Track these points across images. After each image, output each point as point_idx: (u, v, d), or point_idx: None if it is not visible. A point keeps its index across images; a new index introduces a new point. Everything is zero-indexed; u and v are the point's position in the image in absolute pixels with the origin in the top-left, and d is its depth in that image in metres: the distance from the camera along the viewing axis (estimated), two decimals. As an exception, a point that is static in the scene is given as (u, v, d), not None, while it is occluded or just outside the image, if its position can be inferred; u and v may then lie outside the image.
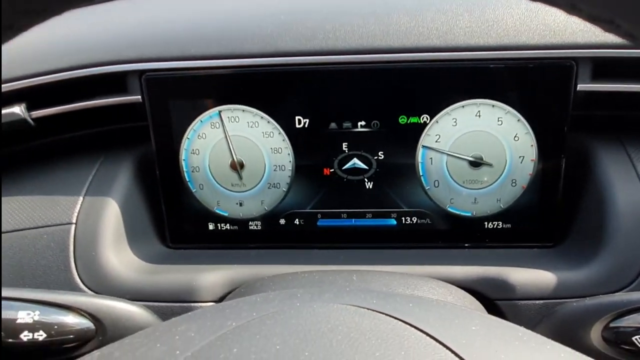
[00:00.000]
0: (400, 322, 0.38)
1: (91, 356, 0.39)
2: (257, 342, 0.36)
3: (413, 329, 0.37)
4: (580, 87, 0.68)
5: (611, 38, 0.66)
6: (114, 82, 0.71)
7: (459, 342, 0.36)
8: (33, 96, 0.71)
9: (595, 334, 0.48)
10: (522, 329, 0.40)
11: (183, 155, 0.74)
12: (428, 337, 0.36)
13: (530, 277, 0.66)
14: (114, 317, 0.54)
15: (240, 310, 0.42)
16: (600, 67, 0.67)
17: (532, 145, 0.71)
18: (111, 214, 0.71)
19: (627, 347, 0.47)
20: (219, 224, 0.78)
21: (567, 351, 0.37)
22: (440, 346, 0.35)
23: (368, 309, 0.40)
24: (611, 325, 0.48)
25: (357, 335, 0.36)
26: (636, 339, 0.45)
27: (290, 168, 0.74)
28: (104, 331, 0.53)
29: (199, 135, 0.73)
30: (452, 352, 0.35)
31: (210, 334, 0.38)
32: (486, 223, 0.75)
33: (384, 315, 0.38)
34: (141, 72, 0.70)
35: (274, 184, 0.75)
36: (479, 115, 0.70)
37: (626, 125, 0.74)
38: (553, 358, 0.36)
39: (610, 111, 0.72)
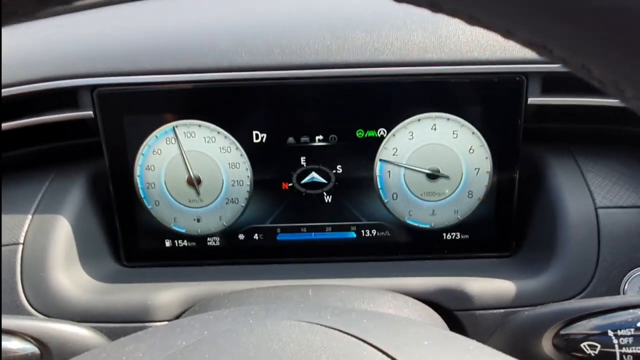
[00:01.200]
0: (353, 338, 0.37)
1: None
2: (206, 362, 0.35)
3: (366, 344, 0.37)
4: (531, 100, 0.70)
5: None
6: (65, 97, 0.69)
7: (411, 357, 0.36)
8: (-22, 112, 0.68)
9: (546, 342, 0.49)
10: (474, 342, 0.40)
11: (138, 171, 0.73)
12: (381, 353, 0.36)
13: (488, 287, 0.67)
14: (60, 341, 0.52)
15: (191, 329, 0.41)
16: (550, 81, 0.70)
17: (486, 158, 0.72)
18: (61, 233, 0.69)
19: (577, 354, 0.48)
20: (176, 241, 0.76)
21: None
22: (392, 361, 0.35)
23: (321, 325, 0.39)
24: (561, 332, 0.49)
25: (308, 353, 0.35)
26: (584, 346, 0.46)
27: (249, 183, 0.73)
28: (50, 356, 0.51)
29: (154, 151, 0.72)
30: (404, 366, 0.35)
31: (159, 354, 0.37)
32: (444, 234, 0.76)
33: (336, 332, 0.38)
34: (93, 87, 0.68)
35: (232, 199, 0.74)
36: (435, 129, 0.72)
37: (576, 137, 0.76)
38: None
39: (561, 123, 0.75)
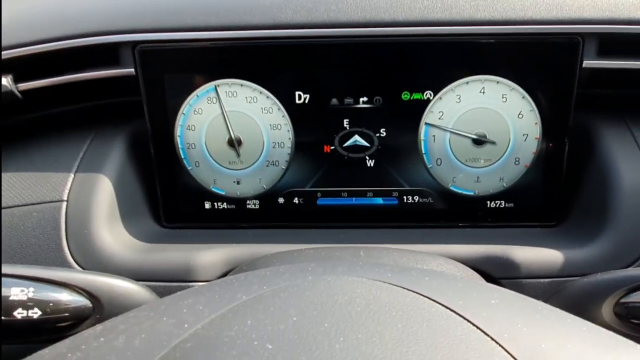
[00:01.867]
0: (418, 295, 0.36)
1: (94, 330, 0.37)
2: (272, 314, 0.34)
3: (432, 302, 0.36)
4: (586, 63, 0.67)
5: (618, 13, 0.65)
6: (106, 54, 0.68)
7: (479, 315, 0.35)
8: (21, 68, 0.67)
9: (606, 310, 0.48)
10: (541, 303, 0.39)
11: (178, 131, 0.72)
12: (449, 311, 0.35)
13: (534, 255, 0.65)
14: (111, 295, 0.52)
15: (250, 284, 0.40)
16: (606, 43, 0.66)
17: (536, 123, 0.70)
18: (103, 192, 0.68)
19: (639, 322, 0.46)
20: (215, 203, 0.75)
21: (587, 324, 0.36)
22: (462, 319, 0.34)
23: (384, 282, 0.38)
24: (622, 300, 0.47)
25: (376, 308, 0.34)
26: (651, 313, 0.45)
27: (290, 145, 0.72)
28: (101, 309, 0.51)
29: (195, 111, 0.71)
30: (475, 326, 0.34)
31: (221, 307, 0.37)
32: (489, 202, 0.74)
33: (401, 289, 0.37)
34: (134, 44, 0.67)
35: (273, 161, 0.73)
36: (483, 92, 0.69)
37: (630, 104, 0.73)
38: (576, 331, 0.35)
39: (614, 89, 0.72)
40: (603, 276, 0.50)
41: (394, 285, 0.38)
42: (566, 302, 0.52)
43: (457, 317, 0.34)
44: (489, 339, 0.33)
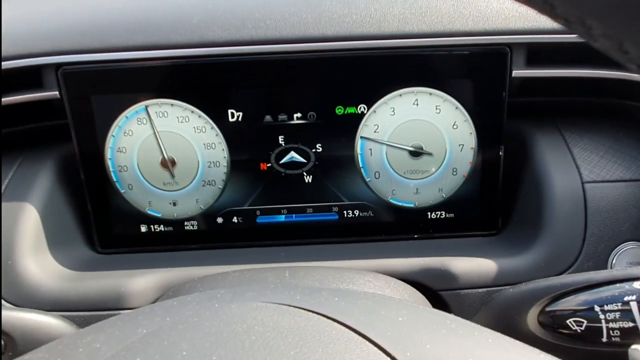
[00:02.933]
0: (322, 318, 0.35)
1: None
2: (164, 349, 0.33)
3: (336, 323, 0.35)
4: (515, 73, 0.67)
5: (544, 23, 0.66)
6: (29, 77, 0.66)
7: (383, 334, 0.34)
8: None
9: (531, 319, 0.47)
10: (451, 316, 0.38)
11: (109, 154, 0.70)
12: (351, 331, 0.34)
13: (473, 266, 0.65)
14: (25, 331, 0.49)
15: (153, 316, 0.39)
16: (535, 52, 0.67)
17: (471, 133, 0.70)
18: (30, 219, 0.66)
19: (563, 331, 0.46)
20: (152, 226, 0.73)
21: (496, 336, 0.36)
22: (363, 339, 0.33)
23: (290, 305, 0.37)
24: (547, 309, 0.47)
25: (273, 335, 0.33)
26: (570, 322, 0.44)
27: (226, 164, 0.71)
28: (14, 346, 0.48)
29: (125, 132, 0.69)
30: (375, 344, 0.33)
31: (117, 344, 0.35)
32: (429, 213, 0.73)
33: (304, 312, 0.36)
34: (58, 66, 0.65)
35: (209, 181, 0.72)
36: (417, 104, 0.69)
37: (562, 111, 0.74)
38: (480, 343, 0.35)
39: (546, 97, 0.73)
40: (527, 285, 0.50)
41: (299, 308, 0.36)
42: (493, 313, 0.51)
43: (359, 337, 0.33)
44: (389, 359, 0.32)
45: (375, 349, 0.32)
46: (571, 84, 0.70)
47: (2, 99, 0.65)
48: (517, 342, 0.35)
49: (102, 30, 0.66)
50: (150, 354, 0.32)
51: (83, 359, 0.34)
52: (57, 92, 0.66)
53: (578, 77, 0.67)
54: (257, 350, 0.31)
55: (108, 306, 0.62)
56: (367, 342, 0.33)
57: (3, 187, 0.68)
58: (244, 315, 0.35)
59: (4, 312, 0.50)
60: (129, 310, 0.59)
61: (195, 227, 0.73)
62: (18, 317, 0.50)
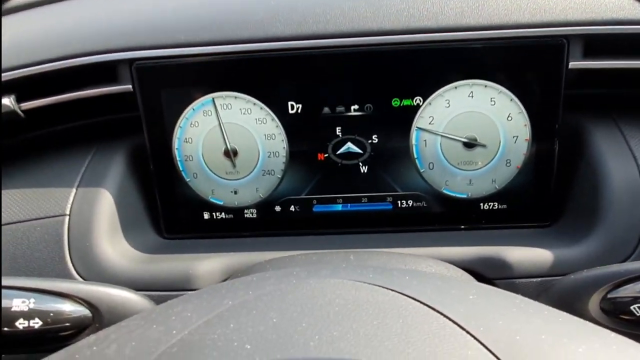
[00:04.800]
0: (397, 294, 0.38)
1: (88, 340, 0.39)
2: (254, 317, 0.36)
3: (410, 299, 0.37)
4: (572, 64, 0.68)
5: (602, 14, 0.66)
6: (105, 72, 0.70)
7: (457, 310, 0.36)
8: (23, 87, 0.70)
9: (593, 306, 0.48)
10: (520, 297, 0.40)
11: (176, 144, 0.74)
12: (426, 307, 0.36)
13: (527, 255, 0.66)
14: (110, 305, 0.53)
15: (236, 290, 0.42)
16: (592, 44, 0.67)
17: (525, 125, 0.71)
18: (105, 205, 0.71)
19: (626, 317, 0.47)
20: (214, 213, 0.77)
21: (565, 315, 0.37)
22: (439, 315, 0.35)
23: (364, 282, 0.39)
24: (609, 296, 0.48)
25: (354, 307, 0.35)
26: (634, 308, 0.45)
27: (285, 154, 0.74)
28: (101, 318, 0.53)
29: (191, 124, 0.73)
30: (451, 320, 0.35)
31: (207, 313, 0.38)
32: (482, 204, 0.75)
33: (380, 288, 0.38)
34: (131, 61, 0.69)
35: (269, 170, 0.75)
36: (472, 96, 0.70)
37: (618, 103, 0.74)
38: (552, 322, 0.36)
39: (603, 89, 0.72)
40: (589, 272, 0.50)
41: (374, 285, 0.39)
42: (553, 300, 0.52)
43: (433, 312, 0.35)
44: (464, 332, 0.34)
45: (451, 323, 0.34)
46: (628, 76, 0.70)
47: (81, 92, 0.70)
48: (586, 322, 0.36)
49: (172, 27, 0.70)
50: (241, 321, 0.35)
51: (177, 325, 0.37)
52: (130, 86, 0.70)
53: (635, 69, 0.67)
54: (343, 320, 0.33)
55: (177, 287, 0.66)
56: (442, 317, 0.35)
57: (79, 176, 0.73)
58: (324, 289, 0.38)
59: (91, 287, 0.54)
60: (206, 287, 0.63)
61: (255, 215, 0.77)
62: (104, 292, 0.54)
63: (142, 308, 0.55)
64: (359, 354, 0.29)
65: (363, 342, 0.31)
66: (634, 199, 0.65)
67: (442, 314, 0.35)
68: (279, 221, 0.77)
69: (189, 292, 0.44)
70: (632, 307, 0.46)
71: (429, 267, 0.58)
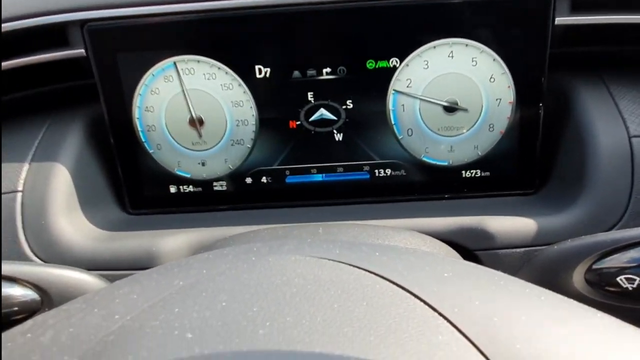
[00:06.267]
0: (363, 272, 0.34)
1: (23, 326, 0.35)
2: (202, 300, 0.32)
3: (379, 278, 0.33)
4: (559, 20, 0.63)
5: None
6: (55, 35, 0.65)
7: (428, 289, 0.32)
8: (-36, 54, 0.64)
9: (578, 277, 0.45)
10: (499, 273, 0.36)
11: (136, 113, 0.69)
12: (395, 286, 0.32)
13: (511, 225, 0.63)
14: (61, 287, 0.49)
15: (189, 269, 0.38)
16: (579, -2, 0.63)
17: (509, 87, 0.67)
18: (61, 180, 0.66)
19: (612, 289, 0.44)
20: (181, 186, 0.73)
21: (547, 293, 0.34)
22: (408, 294, 0.32)
23: (329, 259, 0.36)
24: (594, 266, 0.45)
25: (314, 287, 0.32)
26: (621, 279, 0.42)
27: (254, 122, 0.69)
28: (50, 302, 0.49)
29: (152, 91, 0.68)
30: (422, 300, 0.31)
31: (154, 296, 0.34)
32: (464, 172, 0.71)
33: (345, 265, 0.34)
34: (83, 22, 0.64)
35: (238, 140, 0.70)
36: (452, 56, 0.66)
37: (607, 62, 0.70)
38: (534, 302, 0.33)
39: (591, 46, 0.68)
40: (573, 242, 0.47)
41: (340, 262, 0.35)
42: (537, 271, 0.49)
43: (403, 292, 0.32)
44: (436, 314, 0.30)
45: (421, 303, 0.31)
46: (618, 32, 0.65)
47: (28, 58, 0.64)
48: (572, 301, 0.33)
49: (125, -16, 0.64)
50: (188, 304, 0.31)
51: (120, 309, 0.33)
52: (82, 50, 0.64)
53: (626, 24, 0.63)
54: (299, 302, 0.30)
55: (140, 265, 0.62)
56: (413, 297, 0.31)
57: (32, 150, 0.68)
58: (283, 267, 0.34)
59: (40, 268, 0.50)
60: (158, 266, 0.59)
61: (224, 188, 0.73)
62: (52, 273, 0.50)
63: (95, 289, 0.51)
64: (312, 343, 0.25)
65: (320, 328, 0.27)
66: (621, 165, 0.62)
67: (412, 293, 0.32)
68: (250, 193, 0.73)
69: (139, 272, 0.40)
70: (618, 279, 0.43)
71: (404, 240, 0.54)
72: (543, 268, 0.49)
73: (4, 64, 0.65)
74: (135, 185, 0.72)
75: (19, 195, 0.64)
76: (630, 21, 0.62)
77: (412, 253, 0.38)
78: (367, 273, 0.34)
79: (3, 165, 0.66)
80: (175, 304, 0.32)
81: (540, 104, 0.67)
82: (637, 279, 0.42)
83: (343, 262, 0.35)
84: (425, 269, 0.35)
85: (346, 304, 0.30)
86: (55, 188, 0.65)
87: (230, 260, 0.38)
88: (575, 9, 0.63)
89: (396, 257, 0.36)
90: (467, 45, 0.65)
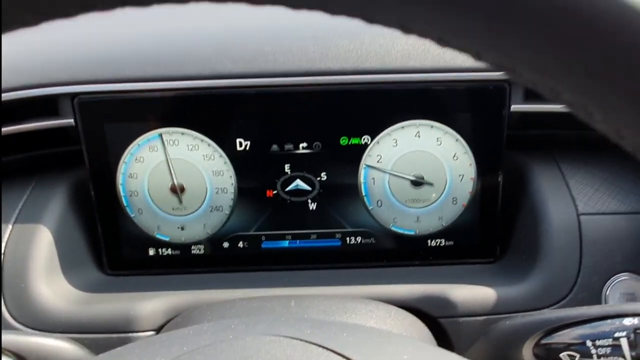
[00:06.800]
0: (332, 353, 0.37)
1: None
2: (183, 381, 0.34)
3: (344, 359, 0.37)
4: (514, 107, 0.70)
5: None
6: (46, 105, 0.68)
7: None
8: (-43, 120, 0.67)
9: (527, 351, 0.49)
10: (455, 356, 0.40)
11: (120, 179, 0.72)
12: (359, 368, 0.36)
13: (471, 293, 0.67)
14: (40, 356, 0.51)
15: (171, 344, 0.41)
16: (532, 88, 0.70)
17: (470, 164, 0.73)
18: (43, 242, 0.68)
19: (559, 363, 0.48)
20: (160, 249, 0.75)
21: None
22: (371, 377, 0.35)
23: (301, 340, 0.39)
24: (542, 342, 0.49)
25: (286, 370, 0.35)
26: (564, 355, 0.46)
27: (233, 191, 0.73)
28: (30, 370, 0.50)
29: (136, 159, 0.71)
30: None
31: (136, 374, 0.37)
32: (429, 241, 0.76)
33: (315, 347, 0.38)
34: (73, 95, 0.67)
35: (217, 207, 0.74)
36: (419, 136, 0.72)
37: (559, 144, 0.77)
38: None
39: (544, 129, 0.75)
40: (524, 318, 0.52)
41: (310, 343, 0.38)
42: (491, 343, 0.53)
43: (367, 375, 0.35)
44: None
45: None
46: (568, 118, 0.72)
47: (19, 126, 0.68)
48: None
49: (116, 61, 0.68)
50: (170, 386, 0.34)
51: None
52: (72, 120, 0.68)
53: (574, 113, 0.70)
54: (272, 386, 0.33)
55: (117, 329, 0.64)
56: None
57: (16, 211, 0.70)
58: (258, 348, 0.38)
59: (18, 337, 0.51)
60: (145, 337, 0.61)
61: (202, 251, 0.75)
62: (31, 341, 0.52)
63: (74, 357, 0.53)
64: None
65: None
66: (571, 239, 0.67)
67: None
68: (227, 257, 0.76)
69: (121, 347, 0.42)
70: (561, 355, 0.47)
71: (371, 312, 0.58)
72: (496, 341, 0.53)
73: (-4, 130, 0.68)
74: (115, 247, 0.75)
75: (0, 257, 0.66)
76: (577, 110, 0.69)
77: (377, 334, 0.41)
78: (335, 355, 0.37)
79: (-14, 226, 0.68)
80: (158, 384, 0.35)
81: (499, 181, 0.73)
82: (577, 355, 0.46)
83: (314, 344, 0.38)
84: (387, 350, 0.39)
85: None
86: (37, 251, 0.67)
87: (209, 338, 0.41)
88: (528, 98, 0.70)
89: (361, 338, 0.40)
90: (432, 126, 0.71)
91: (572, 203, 0.70)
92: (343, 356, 0.37)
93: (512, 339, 0.50)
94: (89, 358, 0.42)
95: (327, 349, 0.38)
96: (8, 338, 0.51)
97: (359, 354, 0.37)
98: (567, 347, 0.47)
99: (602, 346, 0.44)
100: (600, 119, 0.23)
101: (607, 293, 0.65)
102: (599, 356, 0.45)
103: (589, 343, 0.45)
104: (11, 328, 0.62)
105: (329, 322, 0.42)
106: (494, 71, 0.68)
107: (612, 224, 0.68)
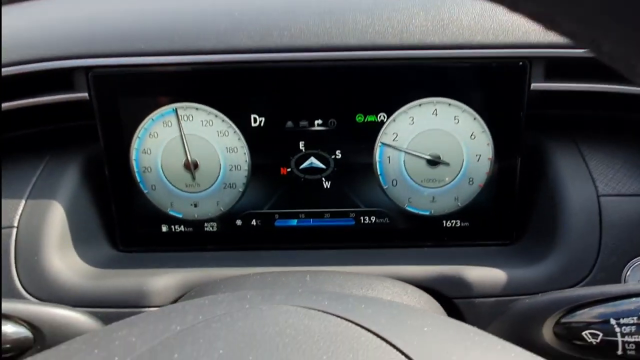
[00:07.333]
0: (350, 324, 0.37)
1: None
2: (200, 346, 0.34)
3: (364, 330, 0.36)
4: (534, 86, 0.68)
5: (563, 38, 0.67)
6: (60, 79, 0.68)
7: (410, 343, 0.35)
8: (-29, 93, 0.67)
9: (547, 330, 0.48)
10: (474, 329, 0.39)
11: (134, 155, 0.71)
12: (378, 339, 0.35)
13: (487, 275, 0.66)
14: (53, 325, 0.51)
15: (186, 314, 0.40)
16: (554, 66, 0.68)
17: (488, 144, 0.71)
18: (56, 217, 0.68)
19: (578, 342, 0.47)
20: (172, 226, 0.75)
21: (518, 351, 0.37)
22: (391, 347, 0.34)
23: (318, 310, 0.38)
24: (562, 320, 0.48)
25: (305, 338, 0.34)
26: (586, 334, 0.45)
27: (247, 168, 0.72)
28: (43, 340, 0.50)
29: (150, 134, 0.71)
30: (403, 353, 0.34)
31: (152, 339, 0.36)
32: (444, 222, 0.75)
33: (334, 317, 0.37)
34: (88, 68, 0.67)
35: (230, 184, 0.73)
36: (436, 114, 0.70)
37: (579, 124, 0.75)
38: (504, 357, 0.36)
39: (564, 110, 0.74)
40: (544, 297, 0.51)
41: (328, 313, 0.38)
42: (509, 323, 0.52)
43: (387, 345, 0.35)
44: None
45: (404, 358, 0.34)
46: (589, 98, 0.71)
47: (33, 99, 0.67)
48: (539, 358, 0.36)
49: (131, 35, 0.67)
50: (187, 350, 0.34)
51: (119, 351, 0.35)
52: (86, 94, 0.68)
53: (596, 92, 0.68)
54: (291, 353, 0.32)
55: (130, 304, 0.64)
56: (396, 351, 0.34)
57: (30, 186, 0.70)
58: (276, 317, 0.37)
59: (33, 307, 0.51)
60: (159, 307, 0.61)
61: (215, 229, 0.75)
62: (46, 312, 0.52)
63: (87, 328, 0.53)
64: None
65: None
66: (590, 222, 0.66)
67: (395, 347, 0.34)
68: (239, 235, 0.75)
69: (136, 315, 0.42)
70: (583, 333, 0.46)
71: (386, 289, 0.57)
72: (515, 320, 0.52)
73: (9, 103, 0.67)
74: (128, 223, 0.74)
75: (14, 231, 0.66)
76: (599, 89, 0.68)
77: (396, 307, 0.41)
78: (354, 325, 0.36)
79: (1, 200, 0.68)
80: (174, 349, 0.34)
81: (517, 161, 0.71)
82: (600, 334, 0.45)
83: (332, 314, 0.38)
84: (407, 323, 0.38)
85: (334, 356, 0.32)
86: (50, 225, 0.67)
87: (225, 307, 0.40)
88: (549, 76, 0.69)
89: (380, 311, 0.39)
90: (450, 104, 0.70)
91: (592, 184, 0.68)
92: (362, 326, 0.36)
93: (532, 317, 0.50)
94: (102, 328, 0.41)
95: (346, 319, 0.37)
96: (22, 307, 0.51)
97: (378, 325, 0.37)
98: (589, 325, 0.46)
99: (627, 324, 0.43)
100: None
101: (628, 275, 0.64)
102: (623, 334, 0.44)
103: (612, 321, 0.44)
104: (24, 299, 0.62)
105: (346, 294, 0.41)
106: (514, 48, 0.67)
107: (632, 206, 0.67)
